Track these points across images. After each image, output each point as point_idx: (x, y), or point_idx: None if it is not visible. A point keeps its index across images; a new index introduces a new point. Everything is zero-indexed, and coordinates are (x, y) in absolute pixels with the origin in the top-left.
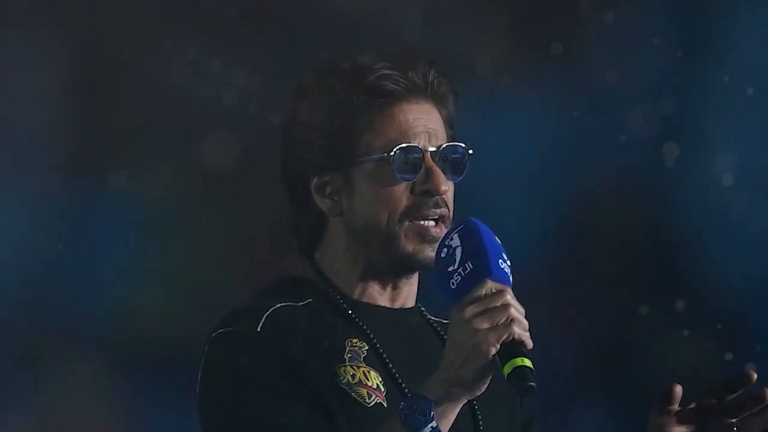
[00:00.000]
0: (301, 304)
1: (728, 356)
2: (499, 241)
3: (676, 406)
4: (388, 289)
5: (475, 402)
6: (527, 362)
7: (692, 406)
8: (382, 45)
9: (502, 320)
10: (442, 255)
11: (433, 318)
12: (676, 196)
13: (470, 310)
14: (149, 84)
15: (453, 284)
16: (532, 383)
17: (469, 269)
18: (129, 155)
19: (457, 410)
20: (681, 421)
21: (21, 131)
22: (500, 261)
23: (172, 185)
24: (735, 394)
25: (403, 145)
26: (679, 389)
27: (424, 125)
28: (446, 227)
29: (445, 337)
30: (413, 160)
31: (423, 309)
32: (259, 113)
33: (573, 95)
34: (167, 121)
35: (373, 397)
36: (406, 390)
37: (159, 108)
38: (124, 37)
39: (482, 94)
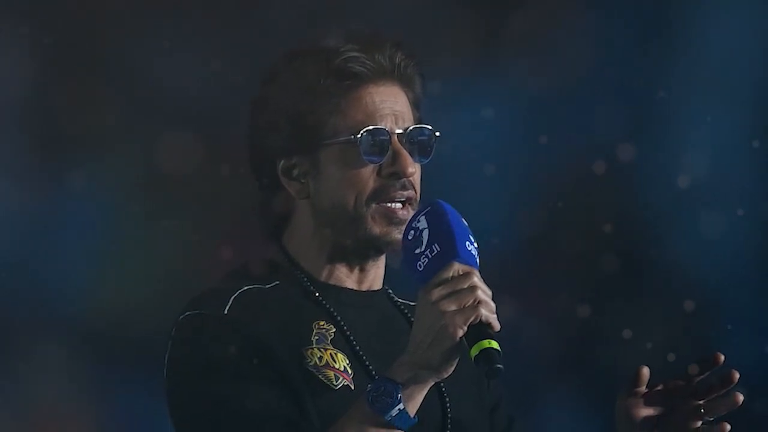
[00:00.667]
0: (268, 286)
1: (695, 341)
2: (466, 223)
3: (643, 388)
4: (355, 271)
5: (442, 384)
6: (494, 344)
7: (659, 388)
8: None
9: (469, 302)
10: (409, 237)
11: (400, 300)
12: (646, 178)
13: (437, 292)
14: (116, 77)
15: (420, 266)
16: (499, 365)
17: (436, 251)
18: (99, 140)
19: (425, 392)
20: (648, 403)
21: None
22: (467, 243)
23: (139, 172)
24: (702, 376)
25: (370, 127)
26: (646, 371)
27: (391, 107)
28: (413, 209)
29: (413, 319)
30: (380, 143)
31: (390, 291)
32: (229, 98)
33: (541, 77)
34: (136, 107)
35: (341, 379)
36: (374, 372)
37: (128, 100)
38: (91, 29)
39: (449, 75)
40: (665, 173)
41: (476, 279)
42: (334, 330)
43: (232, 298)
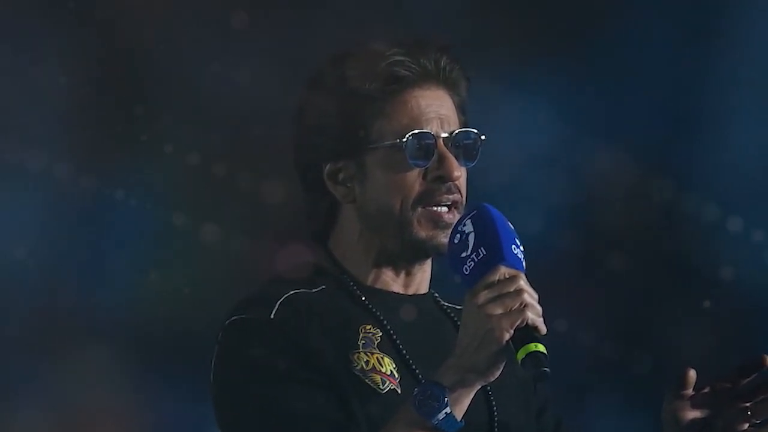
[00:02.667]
0: (314, 290)
1: (743, 342)
2: (512, 226)
3: (690, 391)
4: (402, 275)
5: (489, 388)
6: (541, 348)
7: (706, 390)
8: (394, 33)
9: (516, 306)
10: (455, 241)
11: (446, 304)
12: (690, 183)
13: (483, 296)
14: (159, 81)
15: (466, 270)
16: (546, 368)
17: (482, 255)
18: (144, 146)
19: (471, 396)
20: (695, 406)
21: (35, 122)
22: (513, 246)
23: (185, 176)
24: (749, 379)
25: (416, 131)
26: (692, 374)
27: (437, 111)
28: (459, 213)
29: (459, 323)
30: (426, 146)
31: (437, 295)
32: (276, 103)
33: (587, 81)
34: (182, 112)
35: (387, 383)
36: (420, 376)
37: (175, 97)
38: (142, 27)
39: (495, 79)
40: (711, 171)
41: (522, 282)
42: (380, 334)
43: (279, 302)
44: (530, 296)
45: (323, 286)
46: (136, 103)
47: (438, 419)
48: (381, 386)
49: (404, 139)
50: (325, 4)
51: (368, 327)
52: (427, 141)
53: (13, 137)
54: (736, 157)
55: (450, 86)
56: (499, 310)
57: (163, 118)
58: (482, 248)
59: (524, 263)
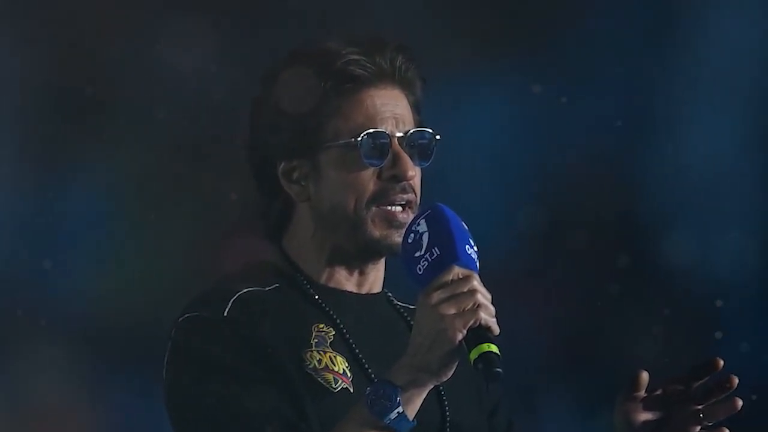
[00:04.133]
0: (267, 289)
1: (696, 344)
2: (466, 226)
3: (642, 393)
4: (355, 274)
5: (441, 388)
6: (494, 348)
7: (658, 392)
8: (353, 32)
9: (469, 306)
10: (409, 240)
11: (400, 303)
12: (646, 180)
13: (436, 296)
14: (118, 68)
15: (420, 270)
16: (498, 369)
17: (435, 255)
18: (98, 141)
19: (424, 396)
20: (647, 408)
21: None
22: (467, 246)
23: (139, 171)
24: (701, 381)
25: (371, 130)
26: (645, 376)
27: (392, 110)
28: (413, 213)
29: (412, 322)
30: (380, 146)
31: (390, 294)
32: (228, 98)
33: (542, 79)
34: (137, 106)
35: (340, 382)
36: (373, 375)
37: (129, 92)
38: (96, 17)
39: (450, 79)
40: (669, 172)
41: (476, 283)
42: (333, 333)
43: (232, 300)
44: (483, 296)
45: (276, 285)
46: (91, 97)
47: (390, 418)
48: (333, 385)
49: (359, 138)
50: (287, 1)
51: (321, 326)
52: (381, 140)
53: None
54: (691, 161)
55: (405, 86)
56: (452, 310)
57: (119, 112)
58: (436, 248)
59: (478, 263)
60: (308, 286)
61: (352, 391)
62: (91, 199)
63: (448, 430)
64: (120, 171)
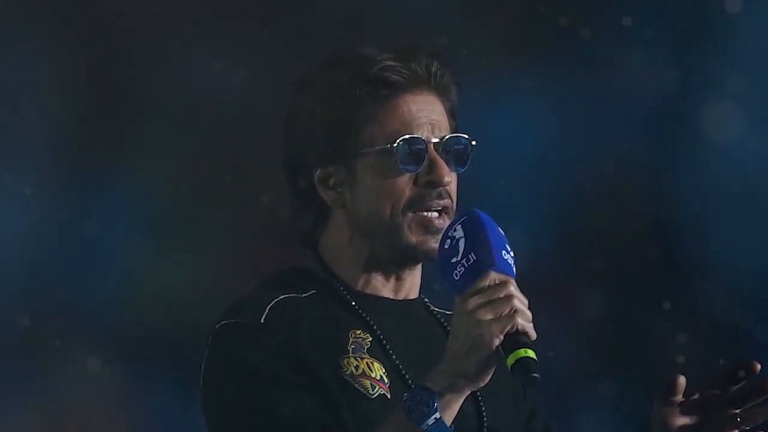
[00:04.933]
0: (304, 295)
1: (733, 348)
2: (502, 232)
3: (679, 397)
4: (392, 280)
5: (478, 393)
6: (531, 353)
7: (695, 396)
8: (385, 38)
9: (506, 311)
10: (446, 246)
11: (436, 309)
12: (680, 183)
13: (473, 302)
14: (151, 75)
15: (456, 275)
16: (535, 374)
17: (472, 260)
18: (131, 147)
19: (461, 401)
20: (684, 412)
21: (22, 124)
22: (503, 252)
23: (175, 176)
24: (738, 385)
25: (406, 136)
26: (682, 380)
27: (427, 116)
28: (449, 218)
29: (449, 328)
30: (416, 152)
31: (427, 300)
32: (263, 105)
33: (575, 86)
34: (170, 112)
35: (377, 388)
36: (410, 381)
37: (162, 100)
38: (126, 28)
39: (486, 85)
40: (703, 177)
41: (512, 288)
42: (370, 339)
43: (269, 306)
44: (520, 302)
45: (313, 291)
46: (124, 102)
47: (428, 424)
48: (371, 391)
49: (395, 144)
50: (316, 7)
51: (358, 332)
52: (417, 146)
53: None
54: (726, 164)
55: (441, 91)
56: (489, 316)
57: (152, 119)
58: (472, 254)
59: (514, 269)
60: (345, 292)
61: (389, 397)
62: (126, 206)
63: None
64: (154, 177)
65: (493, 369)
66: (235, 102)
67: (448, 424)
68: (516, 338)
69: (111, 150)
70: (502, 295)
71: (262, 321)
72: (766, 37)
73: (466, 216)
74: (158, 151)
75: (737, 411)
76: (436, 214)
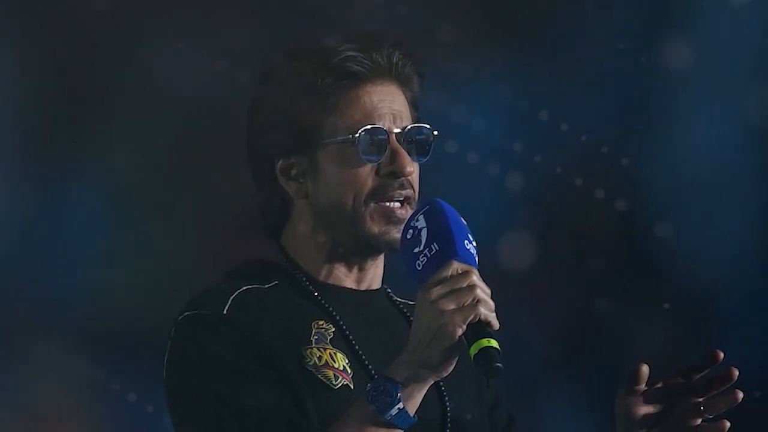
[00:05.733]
0: (267, 286)
1: (696, 337)
2: (464, 221)
3: (642, 386)
4: (354, 270)
5: (441, 383)
6: (494, 343)
7: (659, 385)
8: (350, 29)
9: (468, 301)
10: (408, 236)
11: (399, 299)
12: (645, 174)
13: (436, 291)
14: (118, 67)
15: (419, 265)
16: (498, 364)
17: (434, 250)
18: (96, 138)
19: (424, 391)
20: (648, 401)
21: None
22: (466, 242)
23: (140, 170)
24: (702, 374)
25: (368, 126)
26: (645, 369)
27: (389, 106)
28: (412, 208)
29: (412, 318)
30: (378, 142)
31: (389, 290)
32: (228, 97)
33: (539, 75)
34: (135, 103)
35: (340, 378)
36: (373, 372)
37: (127, 91)
38: (92, 19)
39: (447, 75)
40: (667, 167)
41: (475, 278)
42: (333, 329)
43: (231, 297)
44: (483, 291)
45: (276, 282)
46: (90, 95)
47: (391, 414)
48: (334, 382)
49: (357, 135)
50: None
51: (321, 322)
52: (379, 136)
53: None
54: (689, 155)
55: (402, 82)
56: (451, 306)
57: (117, 110)
58: (435, 243)
59: (477, 258)
60: (307, 283)
61: (352, 387)
62: (91, 198)
63: (448, 425)
64: (119, 170)
65: (456, 359)
66: (200, 92)
67: (412, 414)
68: (479, 328)
69: (76, 141)
70: (464, 285)
71: (224, 312)
72: (735, 26)
73: (428, 206)
74: (124, 142)
75: (700, 400)
76: (398, 204)
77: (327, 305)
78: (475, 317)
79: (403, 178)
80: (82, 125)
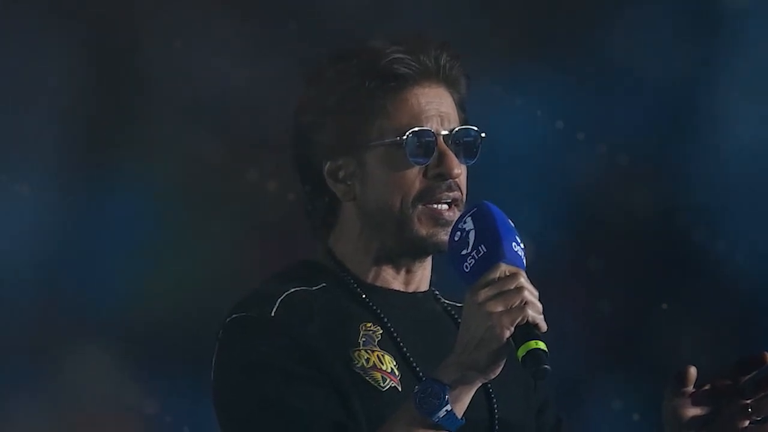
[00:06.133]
0: (314, 288)
1: (742, 338)
2: (512, 223)
3: (690, 388)
4: (402, 272)
5: (489, 385)
6: (541, 345)
7: (706, 387)
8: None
9: (516, 303)
10: (456, 238)
11: (447, 302)
12: (690, 175)
13: (484, 294)
14: (162, 73)
15: (467, 268)
16: (546, 366)
17: (482, 252)
18: (140, 143)
19: (472, 394)
20: (695, 403)
21: (32, 120)
22: (513, 244)
23: (182, 173)
24: (749, 375)
25: (416, 128)
26: (693, 371)
27: (437, 109)
28: (459, 210)
29: (460, 320)
30: (426, 144)
31: (437, 293)
32: (268, 99)
33: (585, 78)
34: (178, 108)
35: (388, 381)
36: (421, 374)
37: (170, 96)
38: (137, 25)
39: (496, 77)
40: (709, 171)
41: (523, 280)
42: (381, 332)
43: (279, 300)
44: (531, 293)
45: (324, 284)
46: (132, 99)
47: (439, 416)
48: (382, 384)
49: (404, 137)
50: (324, 1)
51: (369, 325)
52: (427, 138)
53: (7, 136)
54: (733, 156)
55: (450, 84)
56: (499, 308)
57: (159, 113)
58: (482, 246)
59: (525, 260)
60: (355, 285)
61: (400, 389)
62: (137, 200)
63: (497, 427)
64: (165, 172)
65: (504, 361)
66: (242, 95)
67: (459, 416)
68: (526, 330)
69: (119, 145)
70: (512, 287)
71: (272, 314)
72: None
73: (475, 208)
74: (166, 146)
75: (748, 401)
76: (446, 206)
77: (375, 307)
78: (522, 319)
79: (450, 180)
80: (125, 129)
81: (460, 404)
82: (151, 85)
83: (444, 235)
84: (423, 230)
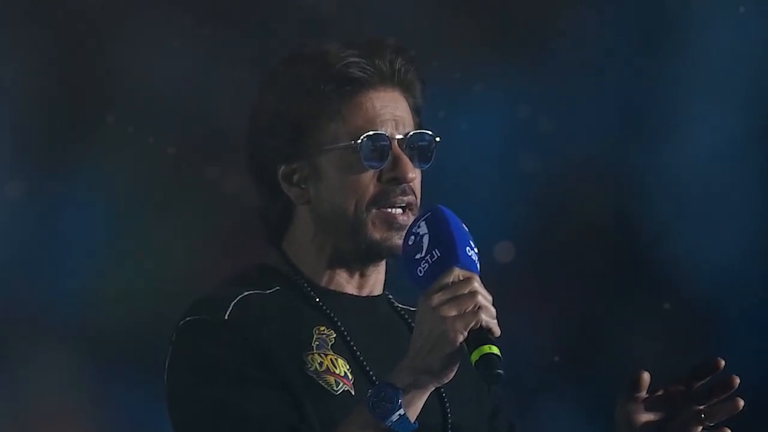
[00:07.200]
0: (268, 292)
1: (696, 344)
2: (466, 228)
3: (643, 394)
4: (356, 276)
5: (442, 389)
6: (495, 349)
7: (660, 393)
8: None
9: (470, 307)
10: (410, 242)
11: (400, 306)
12: (645, 179)
13: (437, 298)
14: (117, 73)
15: (420, 272)
16: (499, 370)
17: (436, 257)
18: (95, 147)
19: (425, 398)
20: (648, 409)
21: None
22: (467, 248)
23: (140, 174)
24: (702, 381)
25: (370, 132)
26: (646, 376)
27: (391, 113)
28: (414, 215)
29: (413, 324)
30: (380, 148)
31: (391, 297)
32: (229, 101)
33: (541, 82)
34: (135, 109)
35: (341, 384)
36: (374, 378)
37: (126, 97)
38: (91, 25)
39: (450, 81)
40: (666, 174)
41: (476, 284)
42: (334, 335)
43: (233, 303)
44: (484, 298)
45: (277, 288)
46: (90, 101)
47: (392, 421)
48: (335, 387)
49: (359, 141)
50: (286, 3)
51: (322, 328)
52: (381, 143)
53: None
54: (690, 160)
55: (405, 88)
56: (453, 312)
57: (118, 114)
58: (436, 250)
59: (478, 265)
60: (309, 289)
61: (353, 393)
62: (93, 203)
63: (449, 431)
64: (122, 174)
65: (457, 365)
66: (198, 97)
67: (413, 421)
68: (480, 334)
69: (78, 146)
70: (466, 292)
71: (226, 317)
72: (732, 36)
73: (430, 212)
74: (125, 147)
75: (701, 407)
76: (400, 210)
77: (328, 311)
78: (476, 324)
79: (405, 184)
80: (84, 130)
81: (413, 408)
82: (107, 88)
83: (398, 239)
84: (377, 234)
